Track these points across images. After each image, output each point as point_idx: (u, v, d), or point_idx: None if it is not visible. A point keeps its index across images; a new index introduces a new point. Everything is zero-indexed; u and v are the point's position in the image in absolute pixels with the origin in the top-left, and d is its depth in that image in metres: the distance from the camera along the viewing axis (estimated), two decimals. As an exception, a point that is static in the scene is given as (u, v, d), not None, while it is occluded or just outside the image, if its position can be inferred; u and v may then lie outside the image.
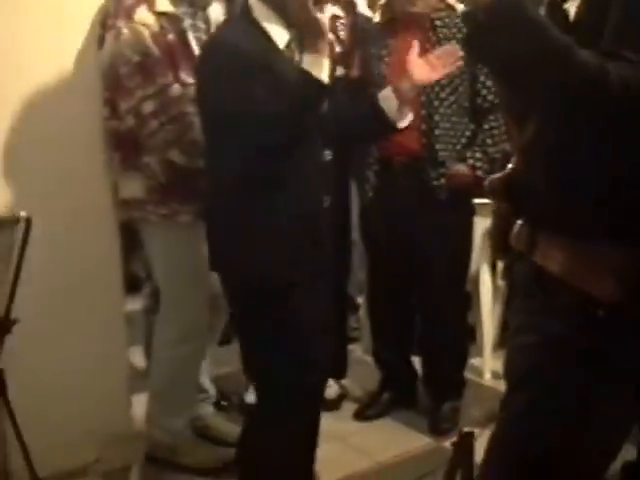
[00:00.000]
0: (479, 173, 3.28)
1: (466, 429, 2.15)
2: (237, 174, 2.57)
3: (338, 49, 3.42)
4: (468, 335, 3.78)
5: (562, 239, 1.65)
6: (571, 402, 1.66)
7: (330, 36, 2.94)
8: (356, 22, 3.64)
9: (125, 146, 3.11)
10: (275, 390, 2.67)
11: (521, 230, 1.77)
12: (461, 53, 2.66)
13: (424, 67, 2.69)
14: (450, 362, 3.64)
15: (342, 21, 3.59)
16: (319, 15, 2.52)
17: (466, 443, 2.14)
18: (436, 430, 3.51)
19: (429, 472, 2.65)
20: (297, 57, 2.61)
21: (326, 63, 2.47)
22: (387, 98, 2.66)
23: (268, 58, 2.52)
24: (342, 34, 3.54)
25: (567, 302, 1.65)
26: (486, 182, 1.84)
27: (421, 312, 3.67)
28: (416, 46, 2.71)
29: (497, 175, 1.82)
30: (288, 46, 2.61)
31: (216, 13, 3.21)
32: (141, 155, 3.07)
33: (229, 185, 2.60)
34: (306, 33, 2.50)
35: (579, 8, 1.59)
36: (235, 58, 2.49)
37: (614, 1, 1.48)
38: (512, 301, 1.87)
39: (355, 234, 3.82)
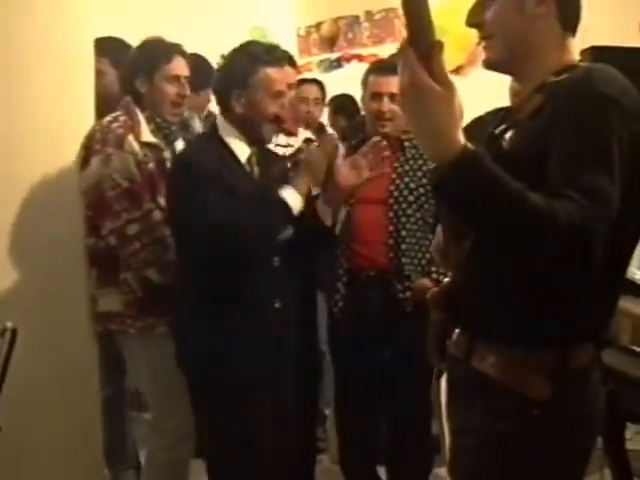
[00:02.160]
0: None
1: None
2: (194, 285, 2.86)
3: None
4: (433, 445, 3.82)
5: (498, 346, 1.81)
6: None
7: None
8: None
9: (103, 263, 3.31)
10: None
11: (459, 338, 1.91)
12: (386, 151, 2.92)
13: (350, 172, 2.87)
14: (415, 473, 3.67)
15: (315, 144, 3.76)
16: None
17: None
18: None
19: None
20: (256, 171, 2.89)
21: (300, 199, 2.73)
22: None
23: (224, 171, 2.77)
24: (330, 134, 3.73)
25: (504, 404, 1.79)
26: (428, 294, 2.01)
27: (387, 422, 3.71)
28: (341, 151, 2.91)
29: (436, 288, 1.98)
30: (249, 160, 2.87)
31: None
32: (119, 272, 3.27)
33: (189, 290, 2.88)
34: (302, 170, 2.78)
35: (513, 141, 1.78)
36: (187, 171, 2.78)
37: (555, 143, 1.63)
38: (451, 404, 1.98)
39: (325, 346, 3.89)
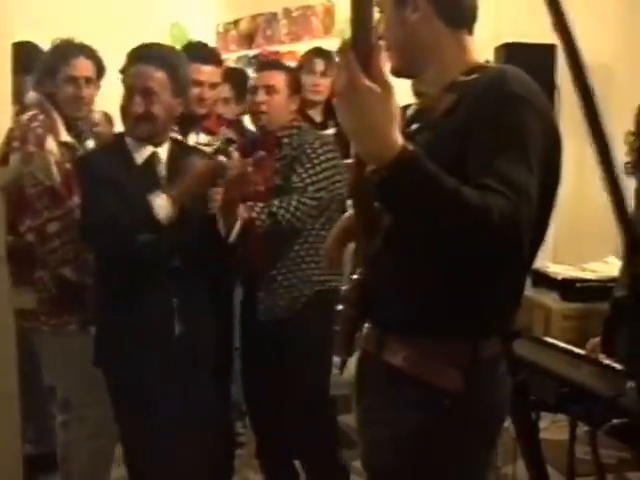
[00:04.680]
0: None
1: None
2: (98, 284, 2.98)
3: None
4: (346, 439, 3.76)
5: (409, 339, 1.84)
6: None
7: (223, 159, 3.19)
8: (246, 144, 3.83)
9: (19, 261, 3.28)
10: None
11: (370, 332, 1.93)
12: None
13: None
14: (320, 465, 3.68)
15: (235, 145, 3.75)
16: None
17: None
18: None
19: None
20: (161, 171, 2.95)
21: (168, 205, 2.76)
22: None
23: (118, 172, 2.85)
24: (234, 156, 3.72)
25: (417, 395, 1.82)
26: (341, 292, 2.04)
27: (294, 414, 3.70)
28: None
29: (348, 285, 1.98)
30: (150, 160, 2.92)
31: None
32: (34, 270, 3.29)
33: (96, 288, 3.01)
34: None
35: (428, 140, 1.79)
36: (81, 171, 2.93)
37: (475, 141, 1.68)
38: (362, 398, 1.99)
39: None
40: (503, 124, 1.67)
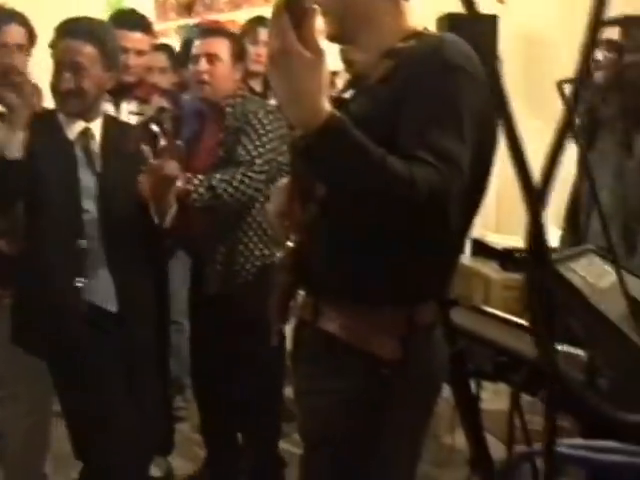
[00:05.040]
0: None
1: None
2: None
3: (163, 142, 3.55)
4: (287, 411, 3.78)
5: (345, 307, 1.83)
6: (364, 456, 1.82)
7: (155, 128, 3.12)
8: (181, 114, 3.78)
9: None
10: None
11: (306, 300, 1.92)
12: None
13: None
14: (263, 438, 3.68)
15: (168, 113, 3.67)
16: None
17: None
18: None
19: None
20: (94, 146, 2.91)
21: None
22: None
23: (51, 149, 2.85)
24: (167, 126, 3.67)
25: (354, 363, 1.80)
26: (274, 259, 2.02)
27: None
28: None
29: (283, 253, 1.98)
30: (79, 138, 2.89)
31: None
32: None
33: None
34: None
35: (363, 106, 1.77)
36: None
37: (408, 108, 1.67)
38: (299, 366, 1.99)
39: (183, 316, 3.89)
40: (438, 93, 1.67)
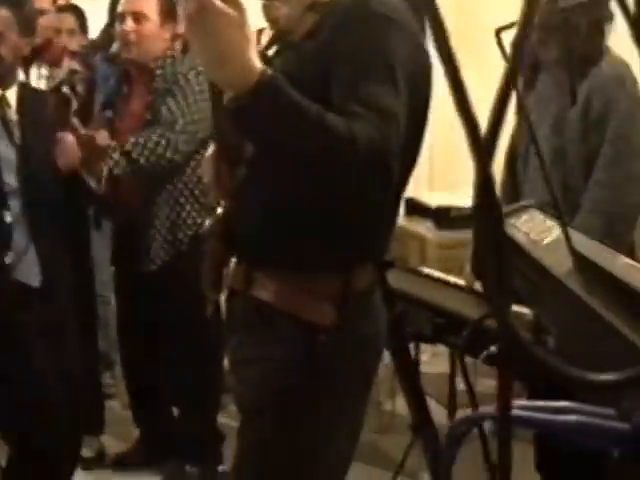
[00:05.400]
0: None
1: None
2: None
3: (75, 104, 3.41)
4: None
5: (278, 273, 1.76)
6: (302, 425, 1.77)
7: (66, 90, 2.98)
8: (94, 76, 3.64)
9: None
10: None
11: (237, 268, 1.85)
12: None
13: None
14: (199, 412, 3.57)
15: (80, 75, 3.58)
16: None
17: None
18: None
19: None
20: (9, 114, 2.79)
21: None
22: None
23: None
24: (80, 88, 3.53)
25: (289, 331, 1.75)
26: (205, 227, 1.92)
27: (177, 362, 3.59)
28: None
29: (212, 219, 1.89)
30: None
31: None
32: None
33: None
34: None
35: (290, 63, 1.71)
36: None
37: (339, 63, 1.61)
38: (232, 336, 1.91)
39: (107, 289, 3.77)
40: (368, 45, 1.62)
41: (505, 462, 0.80)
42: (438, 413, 2.81)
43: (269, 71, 1.49)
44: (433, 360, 3.80)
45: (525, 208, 1.83)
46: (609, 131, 2.79)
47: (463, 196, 3.78)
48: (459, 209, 3.58)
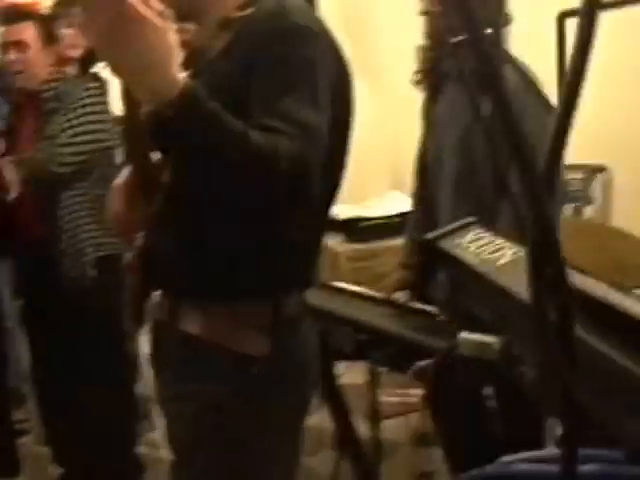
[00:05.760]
0: None
1: None
2: None
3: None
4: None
5: (204, 304, 1.70)
6: (240, 460, 1.71)
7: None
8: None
9: None
10: None
11: (162, 300, 1.79)
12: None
13: None
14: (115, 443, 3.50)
15: None
16: None
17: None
18: None
19: None
20: None
21: None
22: None
23: None
24: None
25: (220, 365, 1.69)
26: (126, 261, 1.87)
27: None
28: None
29: (133, 254, 1.82)
30: None
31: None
32: None
33: None
34: None
35: (206, 84, 1.56)
36: None
37: (257, 79, 1.56)
38: (161, 372, 1.86)
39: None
40: (288, 59, 1.57)
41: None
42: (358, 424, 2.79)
43: (191, 83, 1.43)
44: (345, 372, 3.79)
45: (467, 225, 1.75)
46: None
47: (370, 207, 3.81)
48: (368, 220, 3.60)
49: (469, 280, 1.45)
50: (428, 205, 3.05)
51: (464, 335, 1.26)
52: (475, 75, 2.77)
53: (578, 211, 4.37)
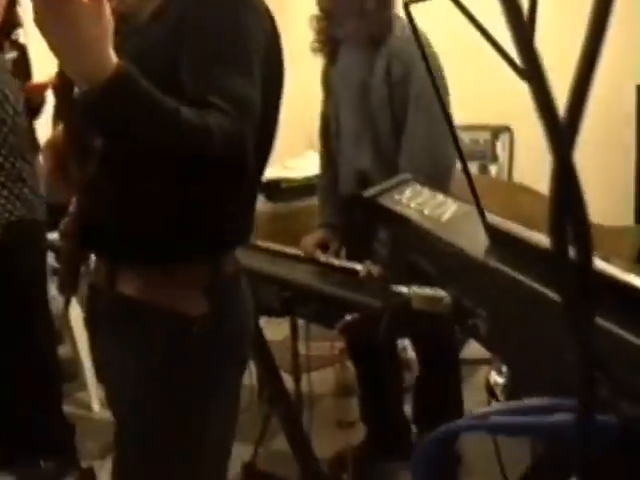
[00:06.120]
0: None
1: (85, 465, 2.14)
2: None
3: None
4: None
5: (142, 267, 1.72)
6: (182, 417, 1.74)
7: None
8: None
9: None
10: None
11: (98, 265, 1.80)
12: None
13: None
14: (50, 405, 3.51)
15: None
16: None
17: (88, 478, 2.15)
18: None
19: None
20: None
21: None
22: None
23: None
24: None
25: (160, 326, 1.70)
26: (60, 226, 1.86)
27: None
28: None
29: (67, 219, 1.82)
30: None
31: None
32: None
33: None
34: None
35: (134, 49, 1.62)
36: None
37: (189, 49, 1.55)
38: (98, 336, 1.87)
39: None
40: (220, 29, 1.56)
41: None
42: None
43: (124, 64, 1.42)
44: (268, 327, 3.85)
45: (404, 182, 1.75)
46: (411, 91, 2.94)
47: (290, 168, 3.87)
48: (289, 181, 3.65)
49: (414, 237, 1.45)
50: (333, 163, 3.18)
51: (414, 289, 1.29)
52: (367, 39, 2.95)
53: (484, 169, 4.53)
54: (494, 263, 1.17)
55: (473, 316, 1.21)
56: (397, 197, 1.60)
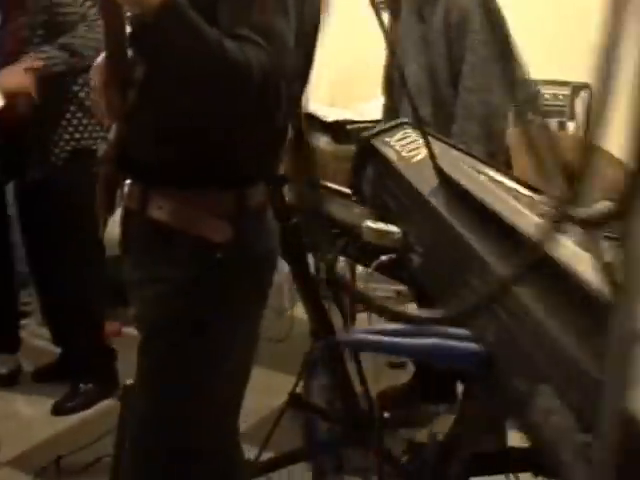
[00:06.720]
0: None
1: (128, 382, 2.23)
2: None
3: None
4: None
5: (173, 191, 1.80)
6: (201, 341, 1.83)
7: None
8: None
9: None
10: None
11: (132, 189, 1.88)
12: None
13: None
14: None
15: None
16: None
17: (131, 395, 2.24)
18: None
19: (109, 431, 2.67)
20: None
21: None
22: None
23: None
24: None
25: (185, 250, 1.79)
26: (100, 152, 1.95)
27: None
28: None
29: (107, 145, 1.92)
30: None
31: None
32: None
33: None
34: None
35: None
36: None
37: None
38: (129, 257, 1.96)
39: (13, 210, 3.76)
40: None
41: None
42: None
43: None
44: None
45: (399, 125, 1.83)
46: (468, 39, 2.96)
47: (358, 112, 3.90)
48: (354, 123, 3.66)
49: (387, 175, 1.52)
50: (395, 111, 3.22)
51: (368, 223, 1.36)
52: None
53: (562, 126, 4.46)
54: (434, 204, 1.21)
55: (412, 251, 1.26)
56: (387, 139, 1.67)
